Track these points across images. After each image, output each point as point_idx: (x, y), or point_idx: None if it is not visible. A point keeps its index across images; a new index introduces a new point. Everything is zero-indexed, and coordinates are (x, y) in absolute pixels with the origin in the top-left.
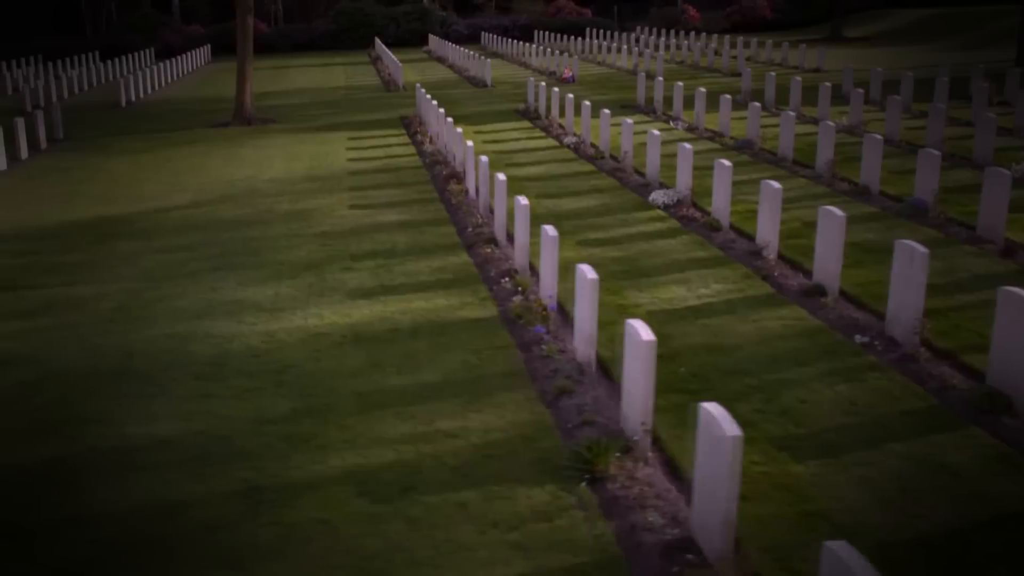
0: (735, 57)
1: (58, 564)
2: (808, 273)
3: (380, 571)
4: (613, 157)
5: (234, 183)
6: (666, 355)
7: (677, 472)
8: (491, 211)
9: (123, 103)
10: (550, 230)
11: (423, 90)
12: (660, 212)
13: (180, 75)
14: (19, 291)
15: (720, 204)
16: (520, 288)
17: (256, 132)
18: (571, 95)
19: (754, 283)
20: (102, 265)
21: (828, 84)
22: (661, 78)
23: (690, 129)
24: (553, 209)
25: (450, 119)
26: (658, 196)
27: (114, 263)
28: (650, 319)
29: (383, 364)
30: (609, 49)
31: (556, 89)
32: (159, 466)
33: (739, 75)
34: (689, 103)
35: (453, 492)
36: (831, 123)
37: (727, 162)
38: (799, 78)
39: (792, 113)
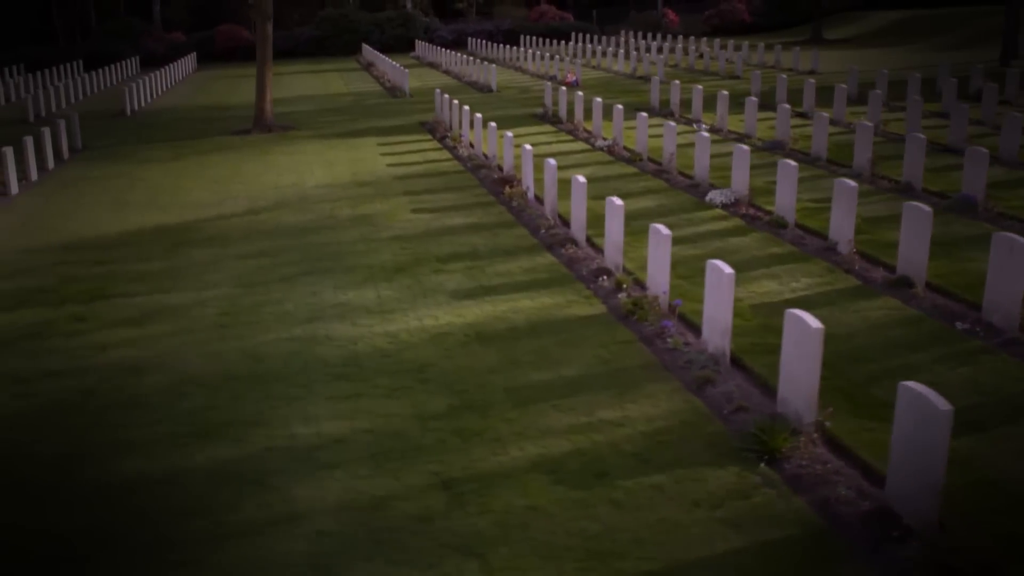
0: (729, 61)
1: (291, 559)
2: (888, 266)
3: (608, 550)
4: (652, 160)
5: (282, 190)
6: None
7: (842, 450)
8: (558, 213)
9: (128, 112)
10: (663, 228)
11: (446, 96)
12: (720, 211)
13: (172, 83)
14: (113, 299)
15: (786, 202)
16: (623, 285)
17: (281, 139)
18: (599, 99)
19: (839, 276)
20: (186, 272)
21: (844, 86)
22: (678, 82)
23: (713, 131)
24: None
25: (493, 124)
26: (715, 196)
27: (198, 270)
28: (756, 312)
29: (518, 361)
30: (604, 53)
31: (580, 93)
32: (345, 463)
33: (737, 78)
34: (708, 105)
35: (644, 476)
36: (868, 123)
37: (792, 162)
38: (812, 80)
39: (825, 115)
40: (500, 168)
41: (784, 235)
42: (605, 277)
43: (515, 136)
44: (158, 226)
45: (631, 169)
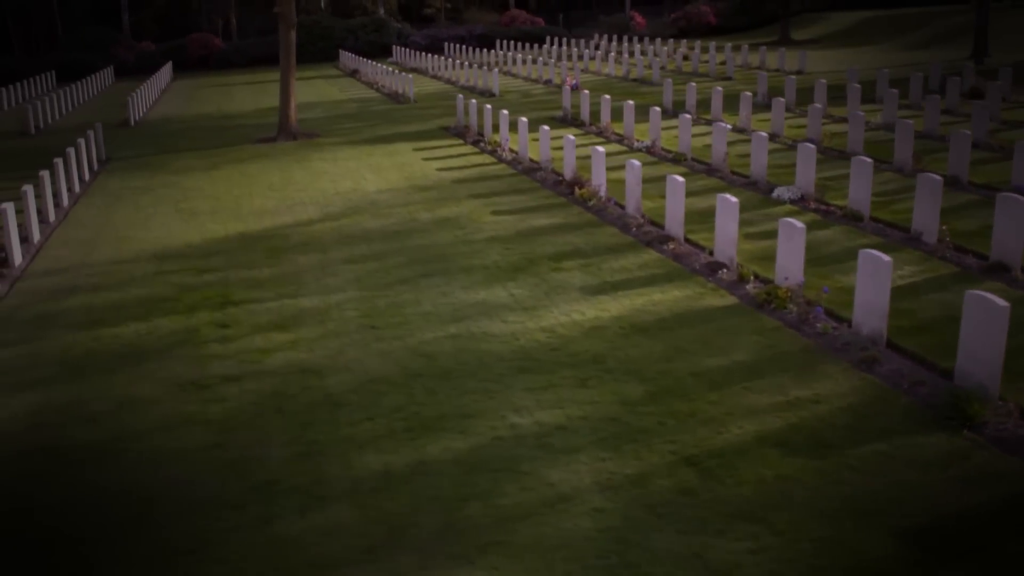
0: (720, 62)
1: (587, 534)
2: (976, 254)
3: (873, 509)
4: (696, 160)
5: (344, 195)
6: (926, 325)
7: None
8: (641, 213)
9: (131, 122)
10: (796, 223)
11: (473, 101)
12: (790, 207)
13: (158, 94)
14: (243, 305)
15: (860, 196)
16: (747, 277)
17: (311, 146)
18: (631, 101)
19: (935, 264)
20: (301, 278)
21: (858, 85)
22: (694, 84)
23: (738, 131)
24: (687, 207)
25: (546, 127)
26: (782, 192)
27: (312, 275)
28: None
29: (684, 349)
30: (593, 57)
31: (586, 92)
32: (582, 448)
33: (729, 79)
34: (728, 106)
35: (865, 444)
36: (908, 121)
37: (867, 158)
38: (824, 80)
39: (861, 113)
40: (556, 171)
41: (863, 228)
42: (725, 270)
43: (555, 138)
44: (241, 234)
45: (680, 168)
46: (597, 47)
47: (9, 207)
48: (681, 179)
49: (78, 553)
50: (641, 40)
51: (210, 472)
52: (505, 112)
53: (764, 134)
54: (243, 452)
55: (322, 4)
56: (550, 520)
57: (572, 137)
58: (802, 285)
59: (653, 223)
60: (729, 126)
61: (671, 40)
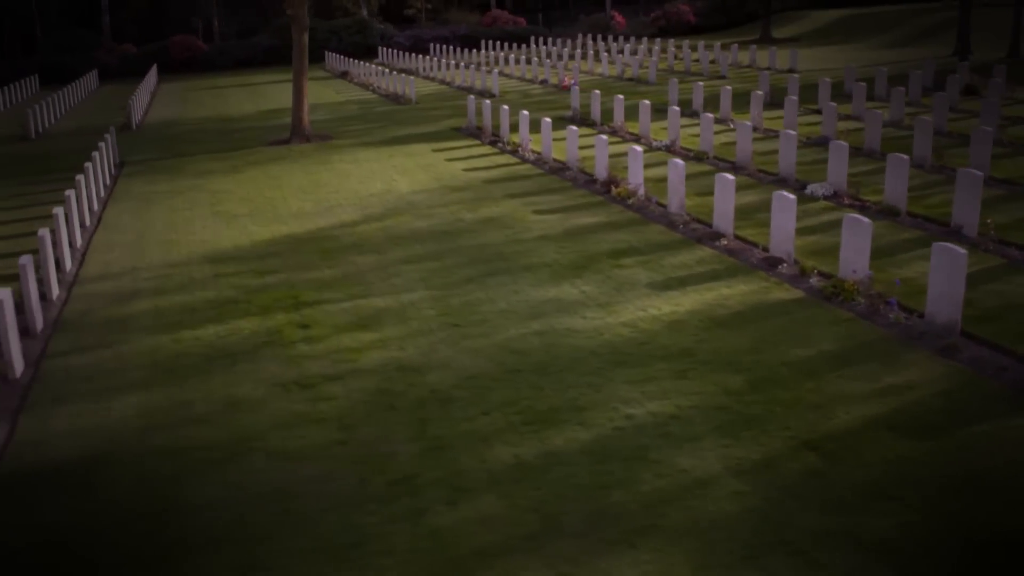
0: (712, 61)
1: (736, 513)
2: (1018, 246)
3: (1002, 485)
4: (718, 158)
5: (380, 197)
6: (992, 315)
7: None
8: (685, 211)
9: (133, 126)
10: (862, 219)
11: (487, 102)
12: (825, 203)
13: (148, 97)
14: (317, 306)
15: (896, 192)
16: (809, 271)
17: (327, 148)
18: (646, 101)
19: (981, 256)
20: (364, 278)
21: (863, 83)
22: (701, 83)
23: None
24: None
25: (574, 128)
26: (816, 189)
27: (376, 275)
28: None
29: (768, 340)
30: (585, 56)
31: (598, 92)
32: (702, 436)
33: (723, 77)
34: (738, 105)
35: (969, 426)
36: (927, 119)
37: (903, 155)
38: (828, 79)
39: (878, 112)
40: (584, 171)
41: (902, 222)
42: (784, 265)
43: (555, 140)
44: (287, 236)
45: (705, 167)
46: (582, 46)
47: (60, 212)
48: (731, 177)
49: (246, 549)
50: (618, 39)
51: (343, 468)
52: (525, 112)
53: (792, 132)
54: (369, 448)
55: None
56: (695, 504)
57: (604, 137)
58: (871, 278)
59: (698, 220)
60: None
61: (657, 40)
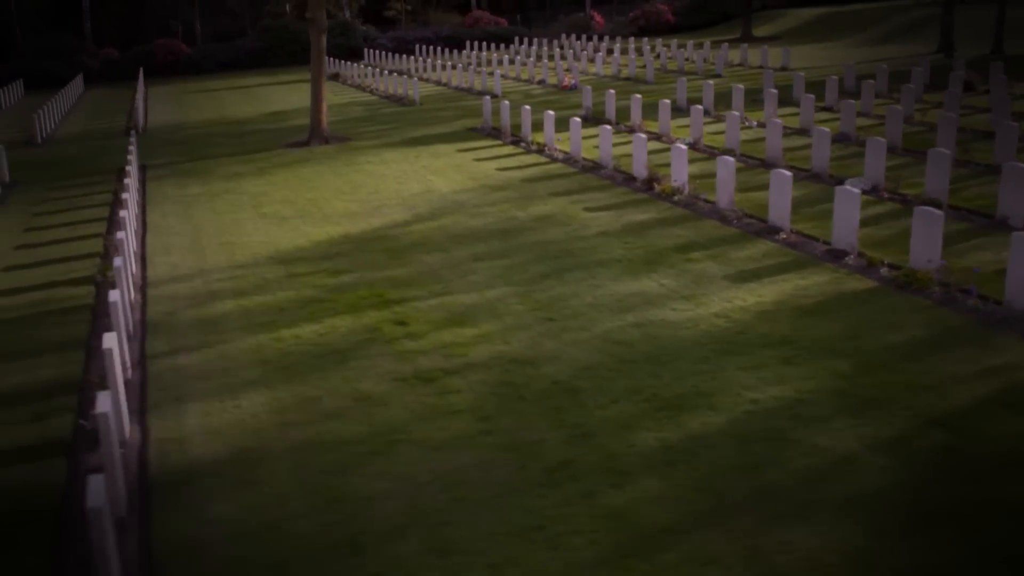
0: (707, 60)
1: (889, 486)
2: None
3: None
4: (745, 155)
5: (422, 197)
6: None
7: None
8: (734, 206)
9: (139, 130)
10: (934, 211)
11: (506, 102)
12: (865, 197)
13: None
14: (405, 303)
15: (938, 185)
16: (877, 262)
17: (348, 150)
18: (667, 100)
19: None
20: (439, 276)
21: (871, 81)
22: (711, 82)
23: (763, 126)
24: (763, 201)
25: (607, 127)
26: (854, 183)
27: (451, 273)
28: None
29: (863, 327)
30: (579, 57)
31: (613, 92)
32: (831, 417)
33: (719, 76)
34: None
35: None
36: (952, 114)
37: (946, 150)
38: (836, 77)
39: (899, 108)
40: (619, 169)
41: (948, 215)
42: (850, 257)
43: (594, 138)
44: (344, 236)
45: (737, 164)
46: (571, 47)
47: (127, 215)
48: (788, 173)
49: (433, 534)
50: (603, 39)
51: (497, 456)
52: (551, 112)
53: (826, 130)
54: (515, 437)
55: (287, 8)
56: (848, 479)
57: (643, 136)
58: (946, 267)
59: (749, 215)
60: (755, 123)
61: (645, 39)
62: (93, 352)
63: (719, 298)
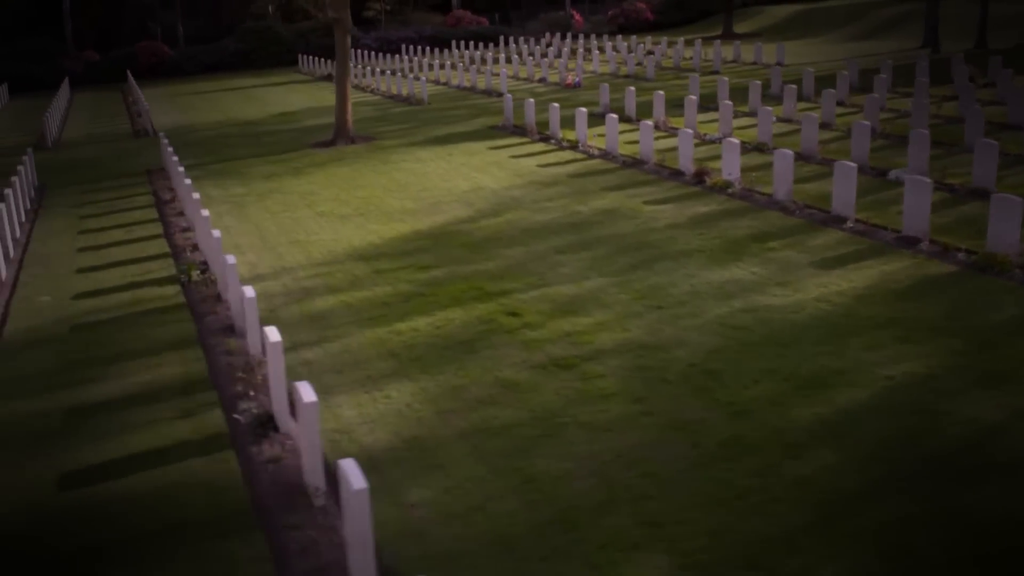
0: (704, 58)
1: None
2: None
3: None
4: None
5: (476, 193)
6: None
7: None
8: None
9: (150, 132)
10: (1013, 197)
11: (531, 100)
12: None
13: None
14: (508, 296)
15: (986, 174)
16: (952, 248)
17: (378, 149)
18: (693, 96)
19: None
20: (529, 268)
21: (883, 76)
22: (726, 78)
23: (785, 121)
24: (812, 192)
25: (649, 122)
26: (899, 174)
27: (539, 266)
28: None
29: (959, 308)
30: (572, 55)
31: (634, 89)
32: (955, 393)
33: (717, 72)
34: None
35: None
36: (979, 107)
37: (993, 141)
38: (846, 72)
39: (926, 102)
40: (661, 164)
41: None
42: (924, 243)
43: (601, 137)
44: (414, 232)
45: (768, 157)
46: (550, 44)
47: (207, 214)
48: (853, 164)
49: (641, 507)
50: (612, 36)
51: (666, 435)
52: (583, 109)
53: (866, 123)
54: (674, 416)
55: (270, 9)
56: (1006, 445)
57: (690, 131)
58: (1022, 252)
59: (810, 206)
60: (775, 117)
61: (633, 37)
62: (210, 349)
63: (813, 284)
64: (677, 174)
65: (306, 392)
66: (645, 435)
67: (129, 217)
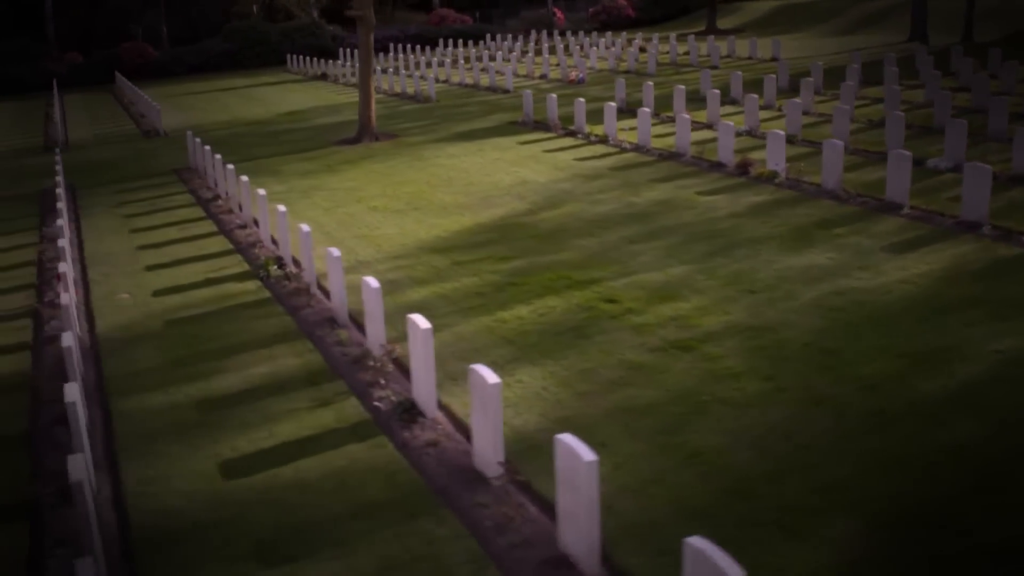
0: (701, 54)
1: None
2: None
3: None
4: (808, 140)
5: (526, 187)
6: None
7: None
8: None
9: (161, 133)
10: None
11: (553, 95)
12: (951, 175)
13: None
14: (598, 283)
15: None
16: (1012, 231)
17: (405, 146)
18: (716, 91)
19: None
20: (609, 257)
21: (895, 68)
22: (740, 72)
23: (804, 113)
24: (853, 180)
25: (686, 116)
26: (938, 163)
27: (617, 255)
28: None
29: None
30: (569, 52)
31: (652, 84)
32: None
33: (715, 67)
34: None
35: None
36: (1005, 96)
37: None
38: (857, 65)
39: (947, 92)
40: (699, 157)
41: None
42: (985, 227)
43: (633, 131)
44: (479, 225)
45: (800, 149)
46: (537, 42)
47: (283, 208)
48: (907, 153)
49: (807, 475)
50: (600, 33)
51: (806, 408)
52: (612, 104)
53: (900, 113)
54: (809, 392)
55: (255, 9)
56: None
57: (731, 123)
58: None
59: (861, 194)
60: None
61: (623, 33)
62: (319, 340)
63: (892, 267)
64: (718, 166)
65: (488, 374)
66: (786, 410)
67: (176, 216)
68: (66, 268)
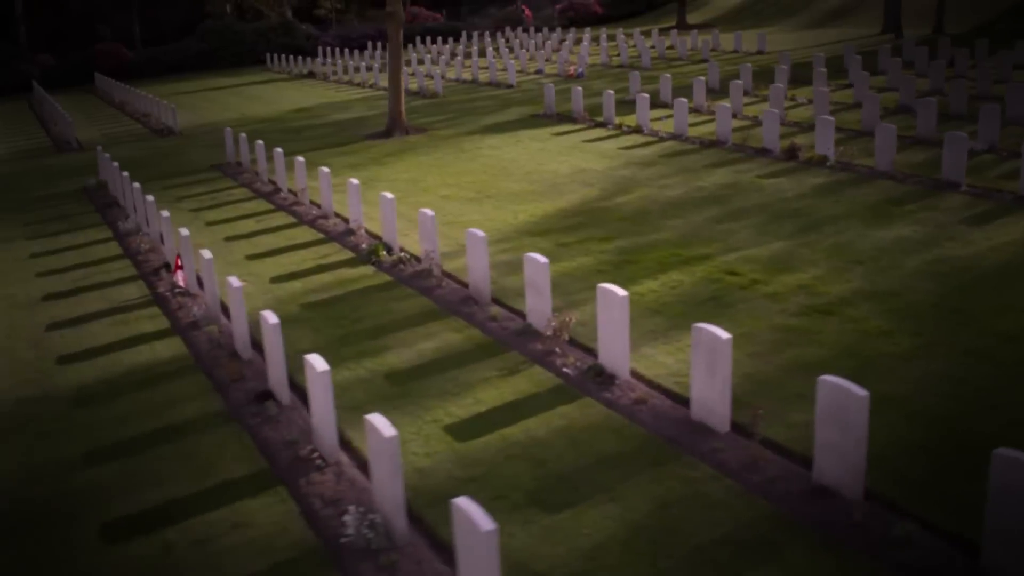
0: (691, 48)
1: None
2: None
3: None
4: (840, 128)
5: (586, 175)
6: None
7: None
8: (895, 168)
9: (176, 132)
10: None
11: (579, 88)
12: (992, 155)
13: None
14: (709, 259)
15: None
16: None
17: (442, 139)
18: (739, 81)
19: None
20: (700, 235)
21: (900, 59)
22: (749, 64)
23: (812, 102)
24: (897, 162)
25: (726, 104)
26: (974, 145)
27: (709, 233)
28: None
29: None
30: (558, 49)
31: (672, 76)
32: None
33: (705, 61)
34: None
35: None
36: (1017, 83)
37: None
38: (859, 55)
39: (963, 80)
40: (743, 143)
41: None
42: None
43: (670, 119)
44: (561, 211)
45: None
46: (517, 38)
47: (389, 198)
48: (963, 134)
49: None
50: (579, 29)
51: (965, 360)
52: (645, 95)
53: (932, 99)
54: (960, 345)
55: (228, 8)
56: None
57: (775, 111)
58: None
59: (915, 174)
60: (805, 100)
61: (603, 29)
62: (470, 317)
63: (979, 236)
64: (763, 152)
65: (722, 333)
66: (950, 361)
67: (243, 209)
68: (182, 256)
